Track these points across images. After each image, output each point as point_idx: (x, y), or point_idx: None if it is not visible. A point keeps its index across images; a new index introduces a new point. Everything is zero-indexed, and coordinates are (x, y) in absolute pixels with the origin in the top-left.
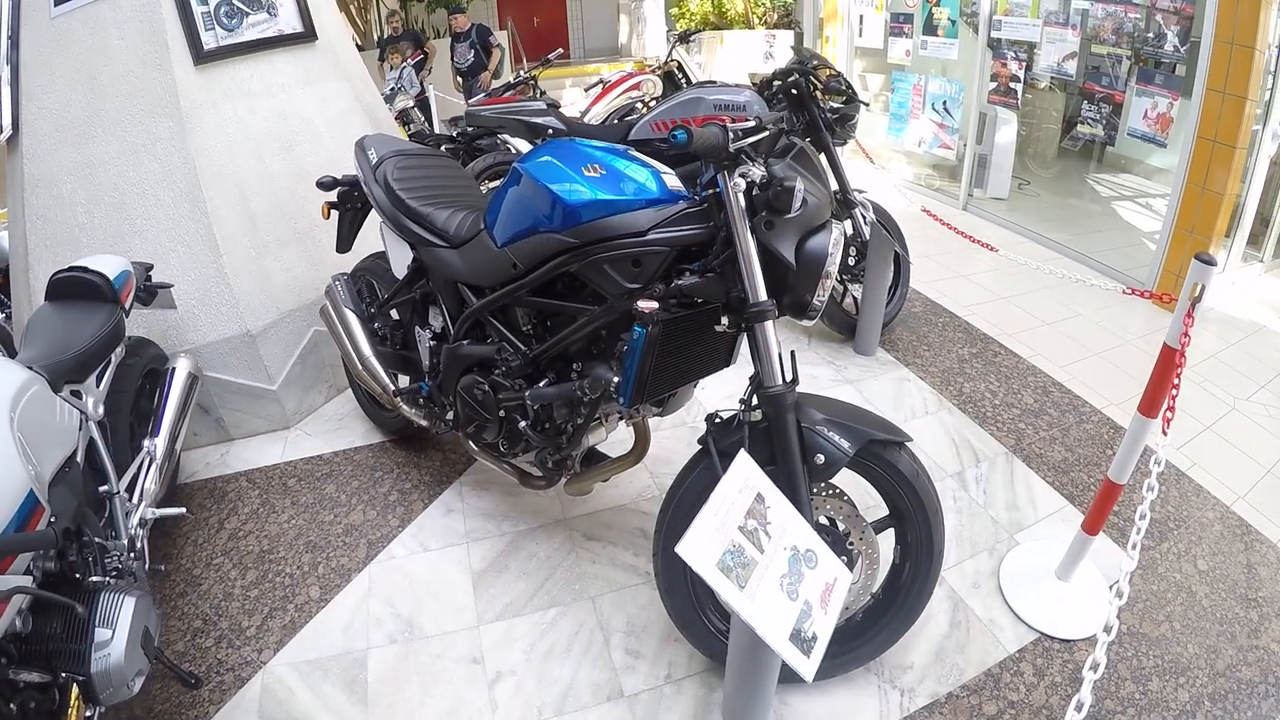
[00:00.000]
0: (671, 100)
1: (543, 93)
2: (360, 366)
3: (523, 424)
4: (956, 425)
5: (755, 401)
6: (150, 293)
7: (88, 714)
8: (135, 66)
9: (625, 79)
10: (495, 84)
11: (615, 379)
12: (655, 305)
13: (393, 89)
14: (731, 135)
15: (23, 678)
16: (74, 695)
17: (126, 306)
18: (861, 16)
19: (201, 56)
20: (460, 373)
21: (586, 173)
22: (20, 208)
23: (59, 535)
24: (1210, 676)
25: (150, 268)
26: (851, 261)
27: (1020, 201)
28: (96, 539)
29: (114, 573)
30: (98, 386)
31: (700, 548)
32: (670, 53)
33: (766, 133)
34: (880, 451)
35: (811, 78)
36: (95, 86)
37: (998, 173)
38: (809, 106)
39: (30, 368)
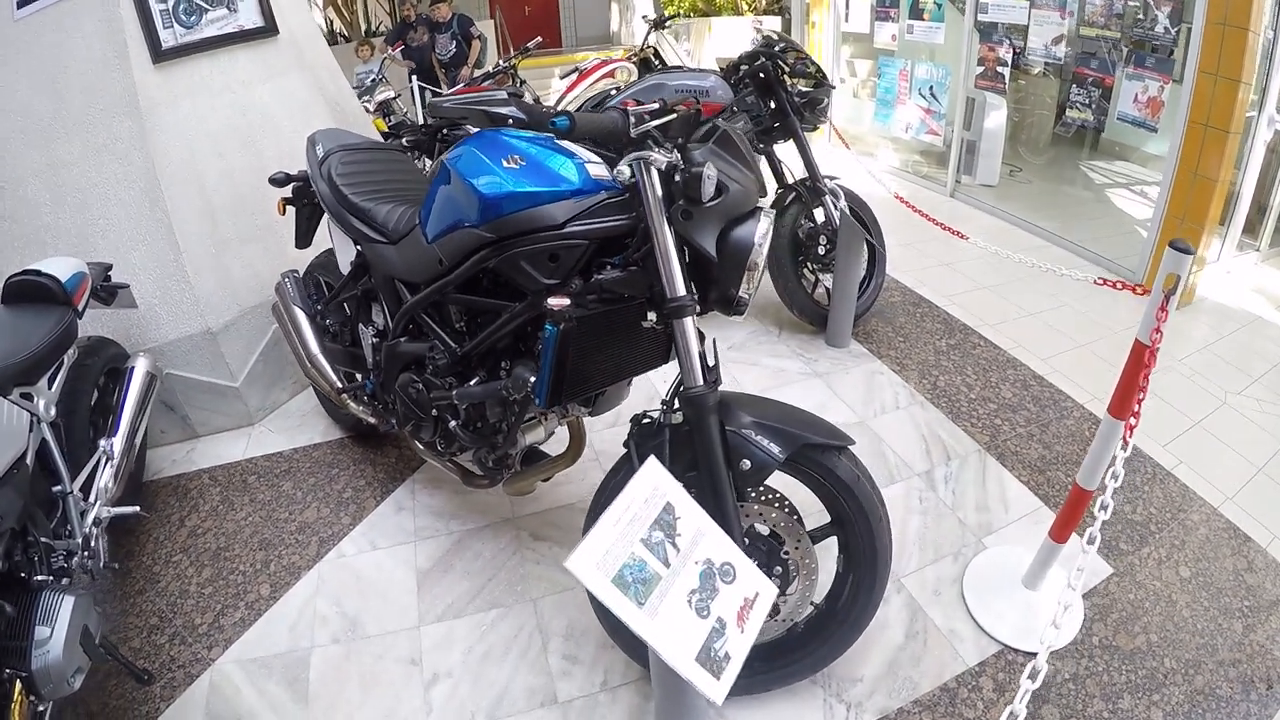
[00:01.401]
0: (634, 86)
1: (523, 82)
2: (309, 364)
3: (453, 423)
4: (929, 421)
5: (677, 403)
6: (110, 292)
7: (41, 709)
8: (95, 66)
9: (599, 66)
10: (476, 74)
11: (533, 378)
12: (566, 302)
13: (373, 80)
14: (633, 119)
15: None
16: (17, 690)
17: (80, 308)
18: (848, 1)
19: (160, 55)
20: (398, 370)
21: (506, 164)
22: None
23: None
24: (1188, 694)
25: (109, 267)
26: (822, 251)
27: (1011, 189)
28: (43, 539)
29: (59, 571)
30: (50, 388)
31: (593, 562)
32: (646, 39)
33: (672, 115)
34: (817, 456)
35: (778, 61)
36: (57, 88)
37: (987, 159)
38: (776, 91)
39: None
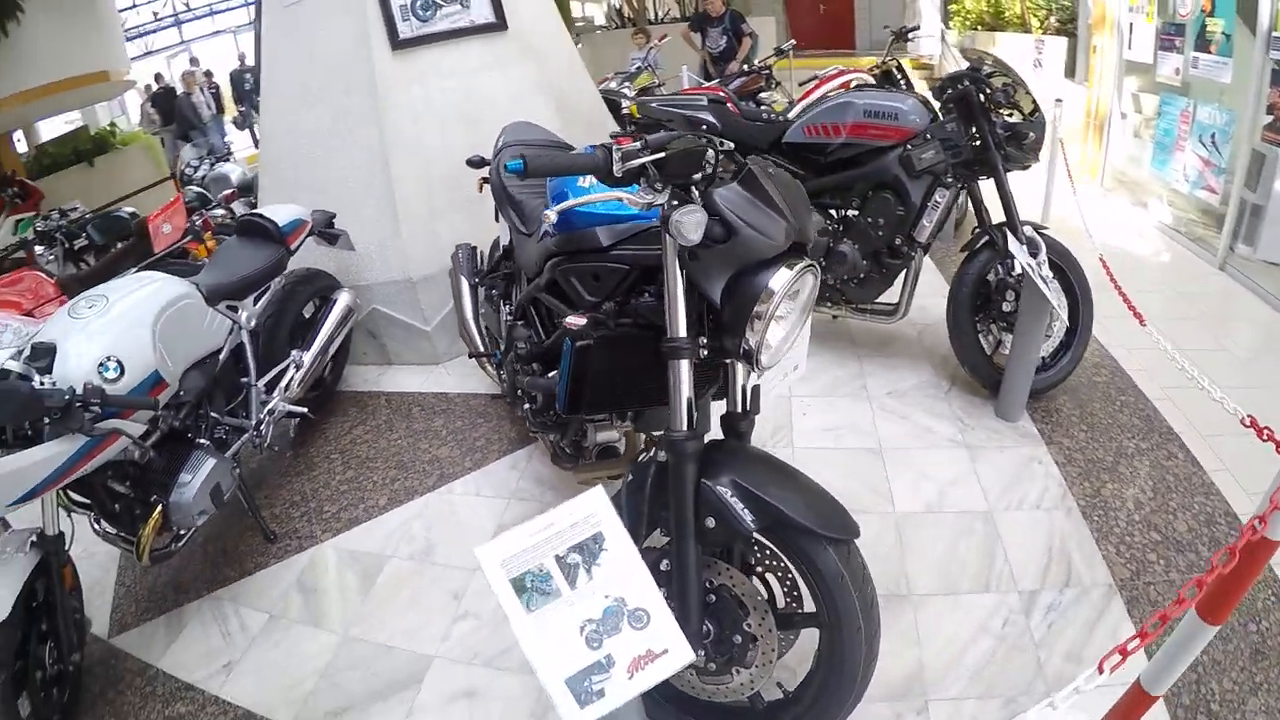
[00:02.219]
0: (824, 104)
1: (778, 83)
2: (460, 324)
3: (526, 406)
4: (1067, 533)
5: None
6: (332, 237)
7: (181, 533)
8: (341, 51)
9: (837, 75)
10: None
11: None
12: (582, 321)
13: (637, 69)
14: (617, 156)
15: (121, 489)
16: (157, 511)
17: (292, 247)
18: (1131, 25)
19: (398, 44)
20: (511, 348)
21: (580, 183)
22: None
23: (158, 404)
24: None
25: (333, 216)
26: (1007, 307)
27: None
28: (214, 414)
29: (218, 440)
30: (254, 305)
31: (500, 558)
32: (888, 51)
33: (661, 155)
34: (799, 540)
35: (983, 86)
36: (312, 65)
37: (1275, 229)
38: (979, 120)
39: (197, 286)
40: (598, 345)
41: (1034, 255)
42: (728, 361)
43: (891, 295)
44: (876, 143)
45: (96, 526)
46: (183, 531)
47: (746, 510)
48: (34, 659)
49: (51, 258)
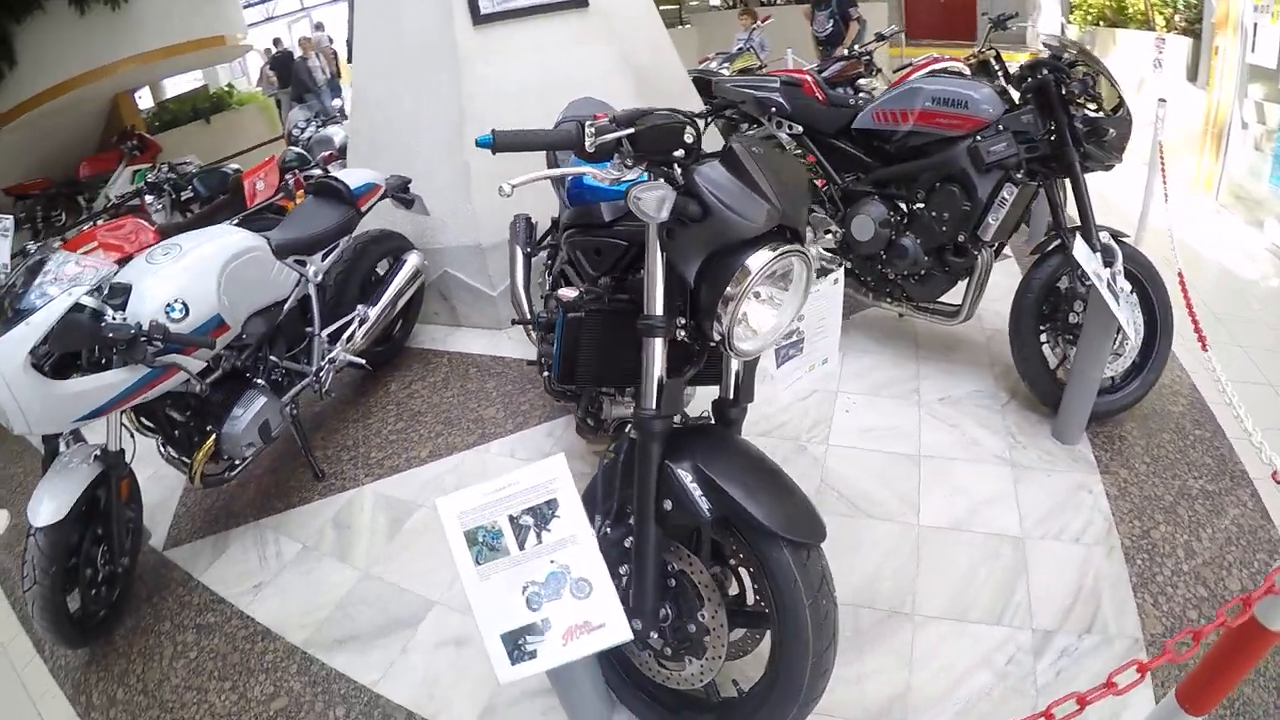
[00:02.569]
0: (893, 90)
1: (878, 70)
2: (511, 291)
3: (544, 373)
4: (1102, 575)
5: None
6: (407, 201)
7: (236, 463)
8: (427, 25)
9: (929, 64)
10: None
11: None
12: (573, 294)
13: (738, 49)
14: (590, 131)
15: (181, 417)
16: (209, 442)
17: (362, 210)
18: (1255, 25)
19: (479, 19)
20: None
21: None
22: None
23: (215, 344)
24: None
25: (408, 181)
26: (1073, 319)
27: None
28: (273, 358)
29: (274, 383)
30: (321, 260)
31: (458, 510)
32: (985, 40)
33: (629, 130)
34: (755, 538)
35: (1064, 76)
36: (399, 36)
37: None
38: (1057, 113)
39: (268, 240)
40: (588, 318)
41: (1108, 264)
42: (716, 344)
43: (956, 296)
44: (945, 132)
45: (162, 450)
46: (236, 461)
47: (704, 498)
48: (86, 558)
49: (159, 207)
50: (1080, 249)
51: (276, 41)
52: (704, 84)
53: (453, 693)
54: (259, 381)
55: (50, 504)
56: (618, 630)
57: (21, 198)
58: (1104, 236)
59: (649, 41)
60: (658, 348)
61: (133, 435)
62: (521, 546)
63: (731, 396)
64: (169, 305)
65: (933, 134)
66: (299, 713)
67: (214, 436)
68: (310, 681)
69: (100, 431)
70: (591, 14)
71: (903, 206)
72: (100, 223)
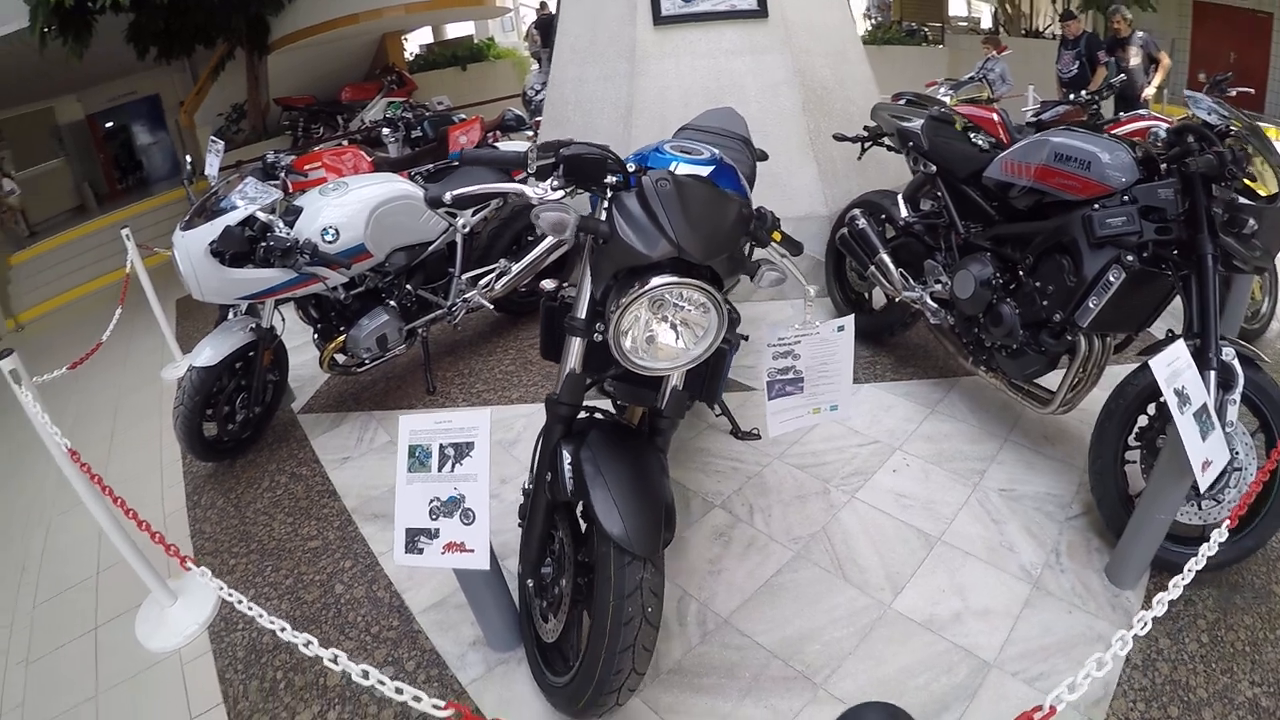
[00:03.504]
0: (1023, 141)
1: (1105, 121)
2: None
3: None
4: None
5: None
6: None
7: (361, 362)
8: (615, 20)
9: (1132, 120)
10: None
11: None
12: (552, 286)
13: (968, 78)
14: (532, 155)
15: (322, 315)
16: (339, 339)
17: (515, 178)
18: None
19: (660, 20)
20: None
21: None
22: None
23: (349, 266)
24: None
25: None
26: (1160, 442)
27: None
28: (408, 287)
29: (404, 307)
30: (470, 215)
31: (410, 428)
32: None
33: (550, 159)
34: (596, 527)
35: (1220, 152)
36: (594, 24)
37: None
38: (1197, 195)
39: (426, 191)
40: (560, 308)
41: (1225, 387)
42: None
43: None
44: (1062, 194)
45: (314, 338)
46: (360, 360)
47: (570, 480)
48: (226, 399)
49: (394, 140)
50: (1163, 359)
51: (543, 5)
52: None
53: (425, 580)
54: (390, 303)
55: (207, 351)
56: (481, 559)
57: (288, 109)
58: (1228, 353)
59: (835, 55)
60: (575, 345)
61: (283, 319)
62: (439, 469)
63: (662, 408)
64: (325, 229)
65: (1052, 194)
66: (325, 554)
67: (343, 336)
68: (342, 537)
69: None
70: (772, 24)
71: (1013, 269)
72: (330, 147)
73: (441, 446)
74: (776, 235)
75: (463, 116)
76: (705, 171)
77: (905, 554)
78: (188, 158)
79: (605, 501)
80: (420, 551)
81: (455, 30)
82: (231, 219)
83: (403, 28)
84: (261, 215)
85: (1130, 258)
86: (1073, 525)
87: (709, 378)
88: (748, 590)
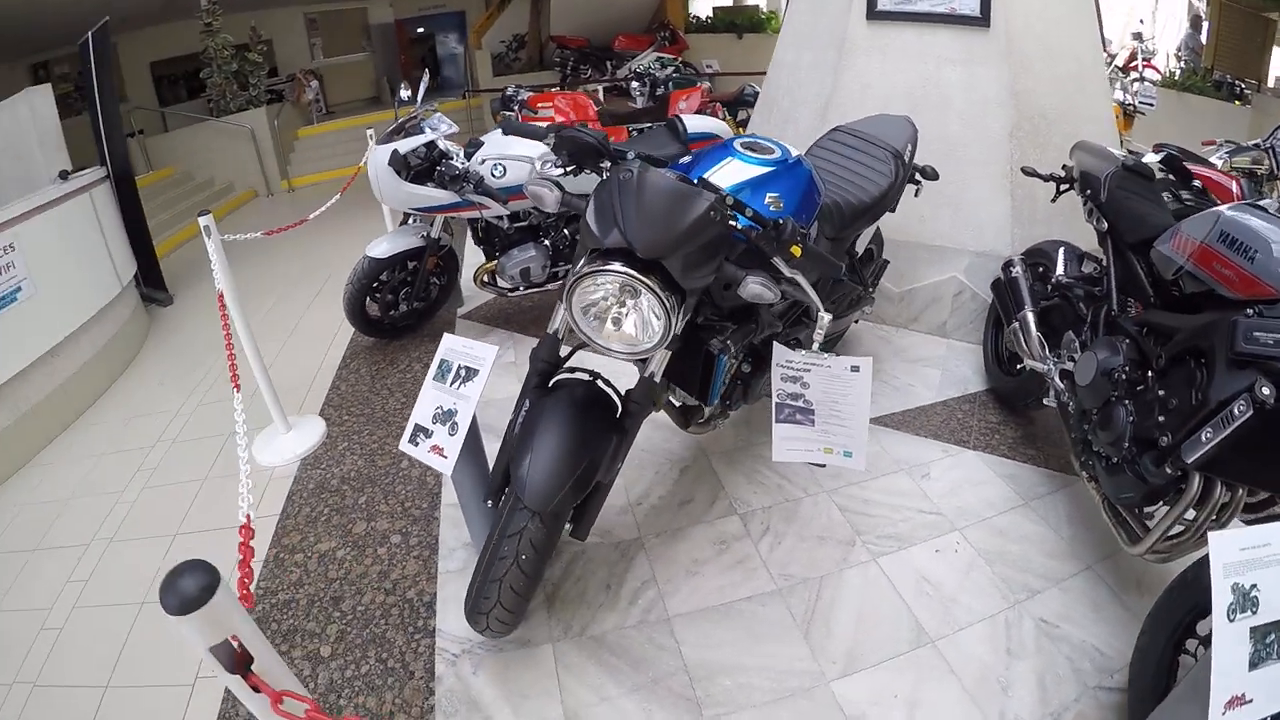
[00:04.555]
0: (1194, 216)
1: None
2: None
3: None
4: None
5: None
6: None
7: (515, 285)
8: (837, 10)
9: None
10: None
11: None
12: None
13: (1253, 144)
14: (551, 134)
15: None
16: (491, 262)
17: (691, 152)
18: None
19: (874, 14)
20: None
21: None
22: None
23: (505, 202)
24: None
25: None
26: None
27: None
28: (565, 230)
29: (556, 246)
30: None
31: (449, 346)
32: None
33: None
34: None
35: None
36: (815, 14)
37: None
38: None
39: None
40: None
41: None
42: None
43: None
44: (1221, 286)
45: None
46: (514, 285)
47: (518, 423)
48: (389, 289)
49: (641, 92)
50: (1233, 539)
51: None
52: (1173, 163)
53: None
54: (544, 242)
55: (380, 246)
56: (447, 465)
57: (562, 47)
58: None
59: (1067, 82)
60: (560, 310)
61: (450, 234)
62: (450, 385)
63: (629, 391)
64: (495, 165)
65: (1207, 283)
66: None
67: (496, 260)
68: None
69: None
70: (993, 35)
71: (1146, 367)
72: (565, 91)
73: (458, 366)
74: (796, 250)
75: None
76: (762, 172)
77: (883, 640)
78: (404, 83)
79: (524, 450)
80: (415, 445)
81: None
82: (409, 144)
83: None
84: (442, 143)
85: (1268, 391)
86: (1097, 696)
87: (702, 379)
88: (707, 602)
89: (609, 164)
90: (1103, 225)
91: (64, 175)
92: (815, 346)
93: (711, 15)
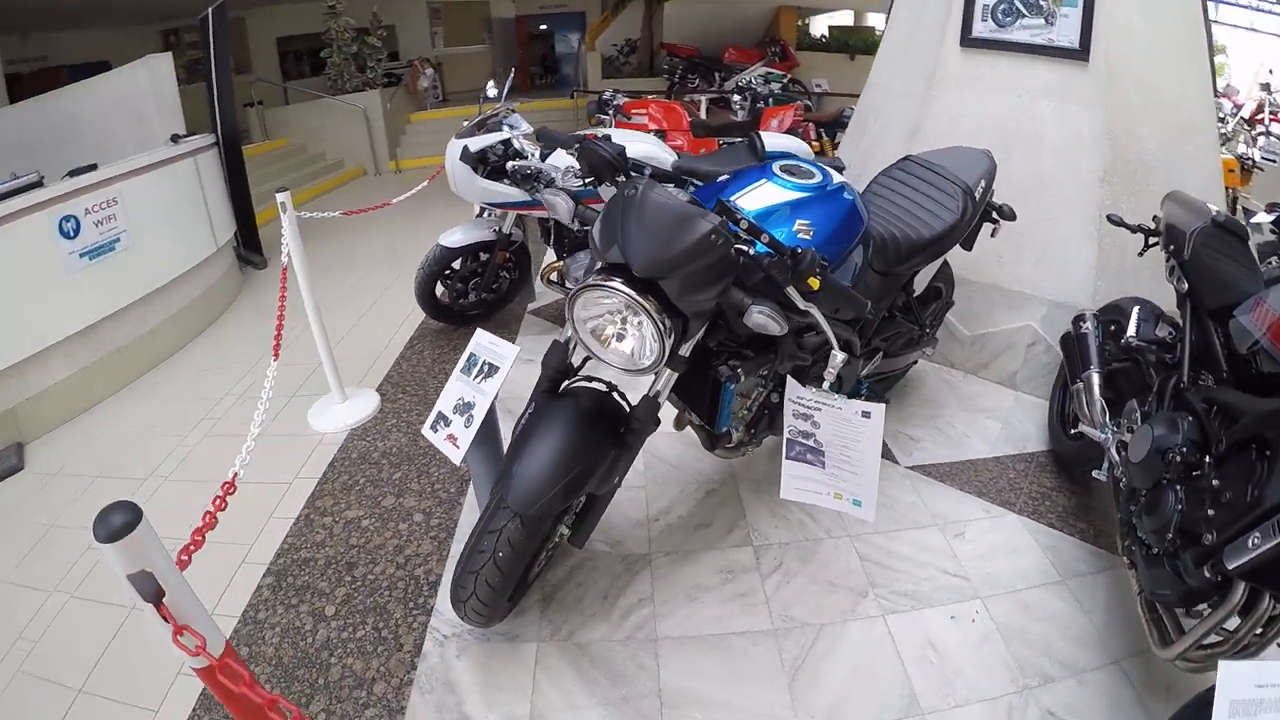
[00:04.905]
0: None
1: None
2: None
3: None
4: None
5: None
6: None
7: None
8: (928, 31)
9: None
10: None
11: None
12: None
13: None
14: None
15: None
16: (556, 261)
17: None
18: None
19: (967, 41)
20: None
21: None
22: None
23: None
24: None
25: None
26: None
27: None
28: None
29: None
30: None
31: (479, 342)
32: None
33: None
34: None
35: None
36: (909, 37)
37: None
38: None
39: (677, 156)
40: None
41: None
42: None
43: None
44: None
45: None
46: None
47: (516, 425)
48: (459, 277)
49: (741, 106)
50: (1246, 672)
51: None
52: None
53: None
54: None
55: (453, 235)
56: (457, 455)
57: (672, 55)
58: None
59: (1173, 128)
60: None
61: (523, 230)
62: (472, 378)
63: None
64: (568, 168)
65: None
66: None
67: (562, 260)
68: None
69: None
70: (1092, 71)
71: (1205, 450)
72: (659, 99)
73: (483, 362)
74: (814, 282)
75: (807, 103)
76: (796, 197)
77: (870, 702)
78: (490, 81)
79: (517, 451)
80: (435, 431)
81: (876, 20)
82: (479, 142)
83: (815, 5)
84: (519, 143)
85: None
86: None
87: (709, 405)
88: (700, 630)
89: (623, 178)
90: (1183, 286)
91: (175, 139)
92: (826, 385)
93: (826, 34)
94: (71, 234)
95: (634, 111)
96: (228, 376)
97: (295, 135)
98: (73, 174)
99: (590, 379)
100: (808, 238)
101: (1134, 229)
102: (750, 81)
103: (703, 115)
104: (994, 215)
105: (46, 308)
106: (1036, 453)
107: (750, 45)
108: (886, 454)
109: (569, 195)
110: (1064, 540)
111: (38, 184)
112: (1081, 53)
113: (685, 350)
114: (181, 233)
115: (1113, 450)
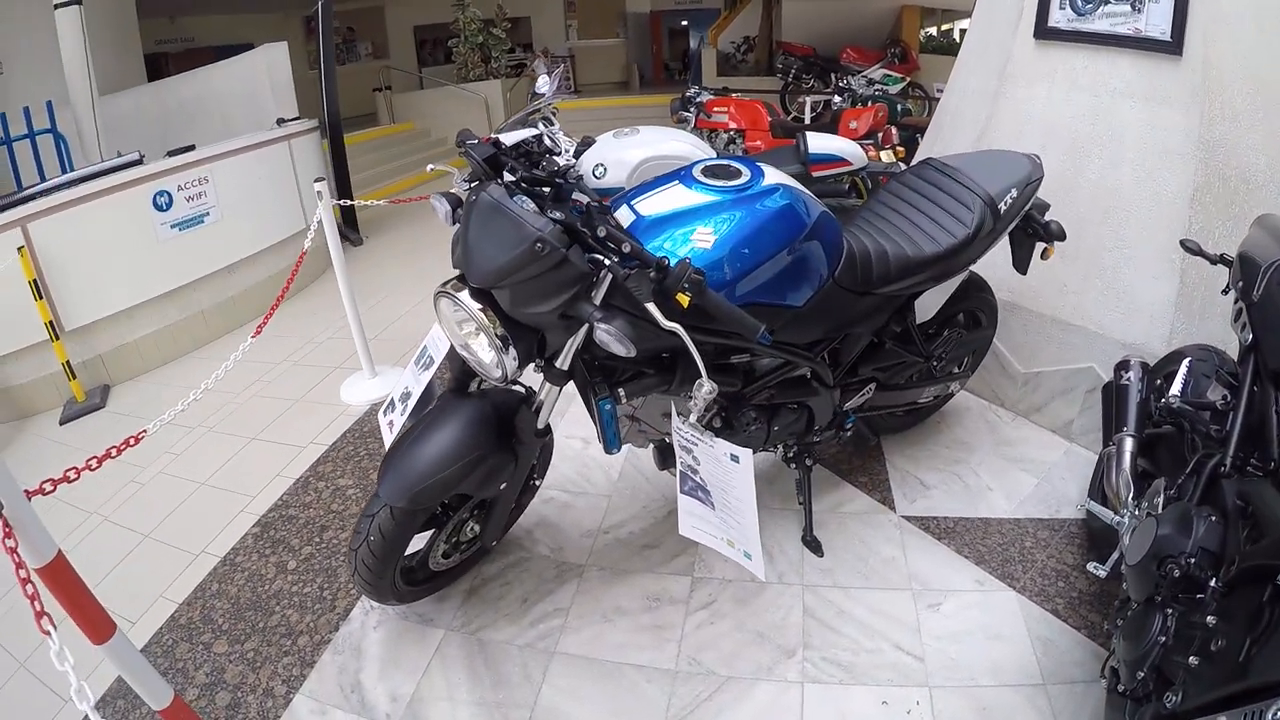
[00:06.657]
0: None
1: None
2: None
3: None
4: None
5: None
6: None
7: None
8: (1002, 26)
9: None
10: None
11: None
12: None
13: None
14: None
15: None
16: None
17: (812, 175)
18: None
19: (1044, 32)
20: None
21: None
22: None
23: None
24: None
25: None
26: None
27: None
28: None
29: None
30: None
31: (433, 335)
32: None
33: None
34: None
35: None
36: (986, 35)
37: None
38: None
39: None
40: None
41: None
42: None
43: None
44: None
45: None
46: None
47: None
48: None
49: (842, 105)
50: None
51: None
52: None
53: None
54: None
55: None
56: (390, 438)
57: (788, 54)
58: None
59: (1269, 132)
60: None
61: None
62: (419, 365)
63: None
64: (598, 164)
65: None
66: None
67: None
68: None
69: None
70: (1185, 67)
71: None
72: (741, 98)
73: (428, 346)
74: (683, 299)
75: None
76: (704, 201)
77: None
78: (543, 76)
79: (398, 443)
80: (385, 415)
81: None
82: (513, 137)
83: (944, 5)
84: (548, 140)
85: None
86: None
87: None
88: (600, 653)
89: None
90: (1247, 335)
91: (279, 122)
92: (693, 418)
93: (956, 38)
94: (165, 207)
95: (715, 109)
96: (289, 344)
97: (420, 119)
98: (171, 154)
99: (514, 383)
100: (704, 248)
101: (1214, 260)
102: (849, 83)
103: (806, 117)
104: (1039, 232)
105: (139, 270)
106: (1068, 520)
107: (873, 47)
108: (884, 498)
109: (449, 199)
110: (1064, 634)
111: (137, 162)
112: (1173, 45)
113: (563, 363)
114: (269, 209)
115: (1126, 537)
